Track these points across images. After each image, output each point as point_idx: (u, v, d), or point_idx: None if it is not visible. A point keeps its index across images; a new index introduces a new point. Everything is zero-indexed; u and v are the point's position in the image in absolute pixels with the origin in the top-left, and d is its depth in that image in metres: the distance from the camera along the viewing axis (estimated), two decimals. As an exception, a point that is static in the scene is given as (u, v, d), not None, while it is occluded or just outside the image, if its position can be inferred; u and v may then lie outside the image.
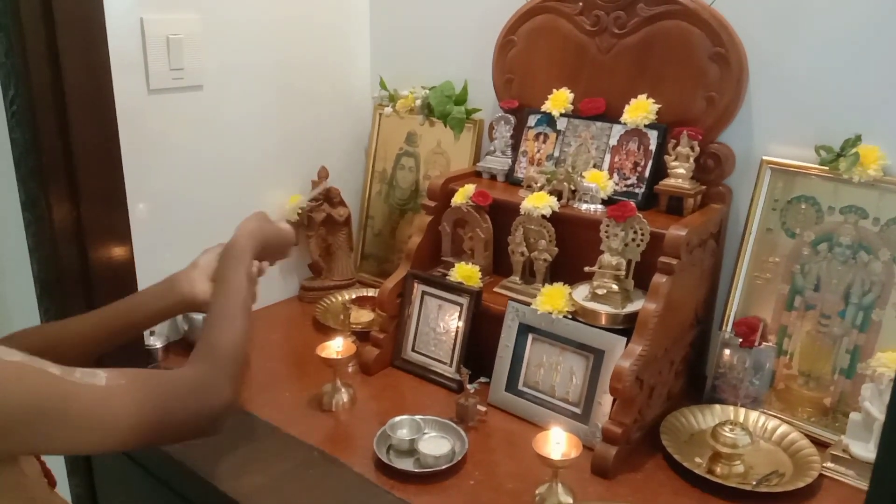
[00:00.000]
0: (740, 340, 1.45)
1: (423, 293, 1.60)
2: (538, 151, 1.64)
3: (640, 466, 1.32)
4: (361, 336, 1.71)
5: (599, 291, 1.39)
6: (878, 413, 1.25)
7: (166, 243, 1.61)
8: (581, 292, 1.44)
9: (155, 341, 1.64)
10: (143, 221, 1.58)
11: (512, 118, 1.68)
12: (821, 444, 1.34)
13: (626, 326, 1.37)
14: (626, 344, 1.31)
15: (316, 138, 1.94)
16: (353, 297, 1.91)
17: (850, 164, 1.31)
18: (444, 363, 1.56)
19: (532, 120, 1.65)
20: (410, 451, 1.32)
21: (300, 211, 1.87)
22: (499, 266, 1.62)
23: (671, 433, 1.37)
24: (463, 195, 1.58)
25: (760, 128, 1.45)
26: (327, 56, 1.92)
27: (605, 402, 1.34)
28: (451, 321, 1.55)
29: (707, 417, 1.43)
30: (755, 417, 1.40)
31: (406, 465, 1.29)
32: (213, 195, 1.71)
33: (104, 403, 0.79)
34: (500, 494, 1.23)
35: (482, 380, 1.43)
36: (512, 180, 1.67)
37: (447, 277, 1.58)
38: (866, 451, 1.26)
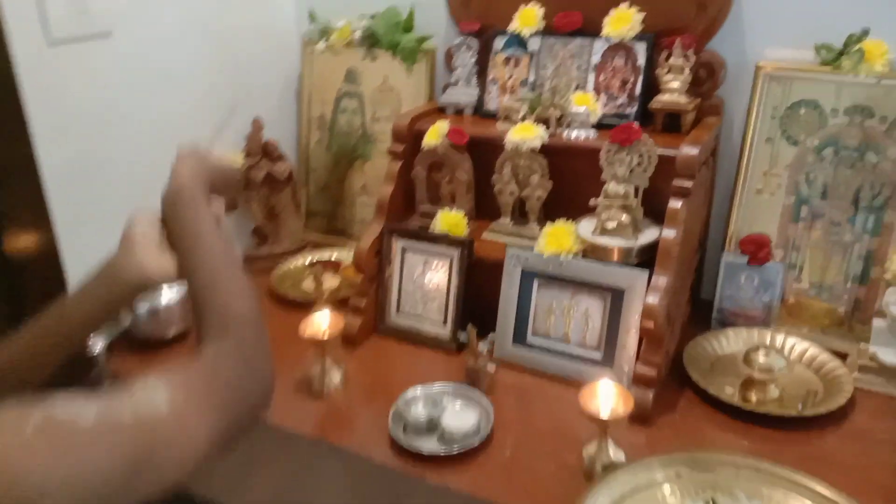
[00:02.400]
0: (748, 259, 1.38)
1: (404, 249, 1.43)
2: (510, 78, 1.48)
3: (675, 405, 1.24)
4: (335, 304, 1.53)
5: (609, 225, 1.27)
6: (906, 317, 1.22)
7: (91, 217, 1.35)
8: (586, 228, 1.32)
9: (93, 343, 1.40)
10: (60, 195, 1.31)
11: (475, 42, 1.51)
12: (839, 355, 1.31)
13: (640, 259, 1.27)
14: (649, 278, 1.21)
15: (244, 85, 1.69)
16: (311, 261, 1.71)
17: (855, 62, 1.24)
18: (438, 323, 1.41)
19: (499, 42, 1.49)
20: (430, 427, 1.18)
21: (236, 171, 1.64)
22: (481, 209, 1.47)
23: (694, 364, 1.30)
24: (436, 134, 1.41)
25: (753, 30, 1.35)
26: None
27: (630, 343, 1.24)
28: (440, 277, 1.40)
29: (724, 343, 1.37)
30: (770, 337, 1.35)
31: (430, 445, 1.14)
32: (136, 158, 1.45)
33: (180, 433, 0.66)
34: (542, 461, 1.12)
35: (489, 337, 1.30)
36: (482, 113, 1.51)
37: (430, 229, 1.42)
38: (894, 357, 1.23)
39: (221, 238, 0.86)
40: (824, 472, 1.03)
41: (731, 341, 1.37)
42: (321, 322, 1.29)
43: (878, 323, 1.26)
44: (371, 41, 1.66)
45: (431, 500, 1.06)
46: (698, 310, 1.47)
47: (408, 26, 1.63)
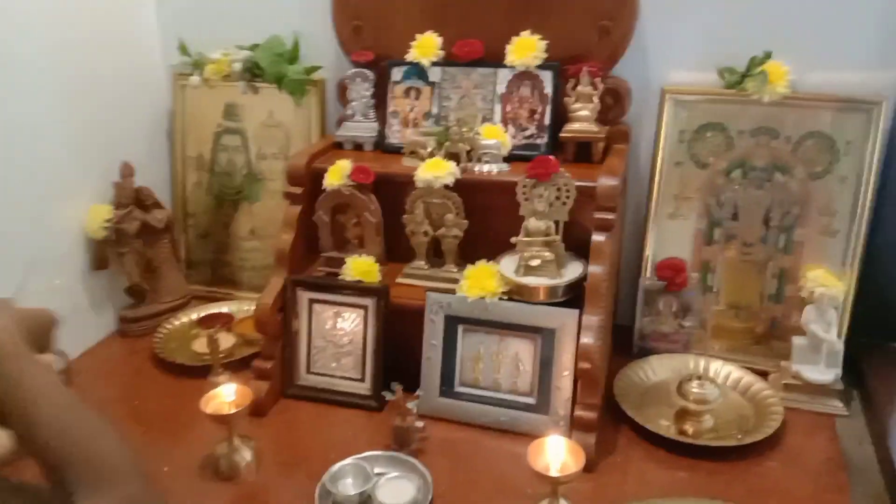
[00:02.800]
0: (666, 285, 1.36)
1: (311, 301, 1.30)
2: (412, 110, 1.39)
3: (614, 446, 1.19)
4: (233, 367, 1.38)
5: (533, 262, 1.21)
6: (825, 333, 1.24)
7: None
8: (508, 267, 1.25)
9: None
10: None
11: (370, 73, 1.41)
12: (760, 374, 1.31)
13: (567, 297, 1.22)
14: (580, 316, 1.16)
15: (110, 129, 1.49)
16: (199, 317, 1.54)
17: (759, 84, 1.25)
18: (355, 380, 1.29)
19: (397, 73, 1.40)
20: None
21: (107, 224, 1.44)
22: (390, 251, 1.37)
23: (625, 398, 1.26)
24: (338, 174, 1.29)
25: (656, 55, 1.34)
26: (105, 24, 1.47)
27: (565, 385, 1.18)
28: (354, 328, 1.28)
29: (650, 373, 1.34)
30: (694, 363, 1.34)
31: (364, 524, 1.03)
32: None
33: None
34: (491, 528, 1.03)
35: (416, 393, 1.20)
36: (385, 148, 1.41)
37: (339, 276, 1.30)
38: (818, 373, 1.24)
39: (64, 387, 0.71)
40: (778, 502, 1.01)
41: (656, 370, 1.34)
42: (225, 395, 1.14)
43: (798, 341, 1.27)
44: (252, 73, 1.52)
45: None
46: (615, 335, 1.44)
47: (293, 57, 1.50)
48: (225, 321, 1.51)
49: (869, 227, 1.25)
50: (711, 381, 1.21)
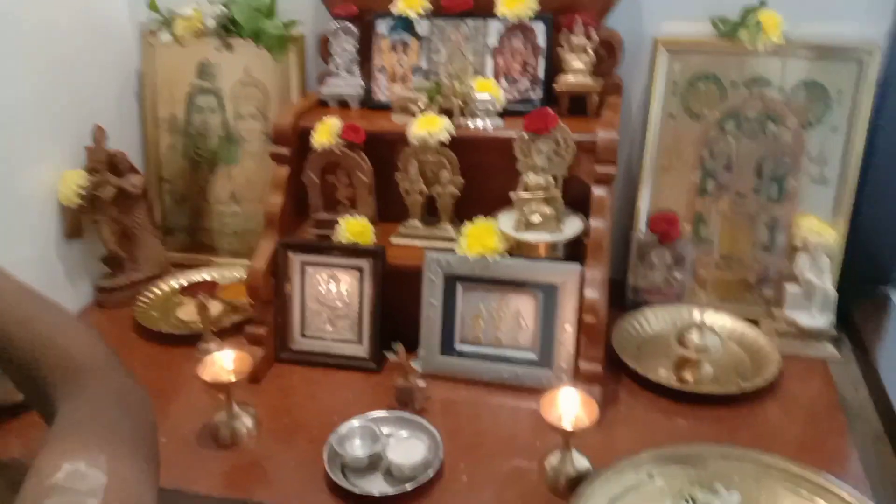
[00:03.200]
0: (659, 237, 1.36)
1: (304, 264, 1.26)
2: (400, 65, 1.35)
3: (617, 397, 1.19)
4: (221, 334, 1.33)
5: (534, 219, 1.19)
6: (818, 280, 1.25)
7: None
8: (506, 224, 1.23)
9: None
10: None
11: (353, 28, 1.35)
12: (751, 323, 1.33)
13: (567, 252, 1.21)
14: (582, 271, 1.15)
15: (76, 91, 1.41)
16: (181, 285, 1.49)
17: (752, 34, 1.24)
18: (352, 342, 1.26)
19: (383, 27, 1.35)
20: (372, 465, 1.04)
21: (81, 191, 1.37)
22: (382, 211, 1.33)
23: (623, 349, 1.26)
24: (327, 133, 1.25)
25: (649, 5, 1.32)
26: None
27: (567, 340, 1.18)
28: (350, 291, 1.25)
29: (646, 324, 1.35)
30: (688, 313, 1.34)
31: (376, 485, 1.01)
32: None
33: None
34: (503, 483, 1.02)
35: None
36: (372, 105, 1.36)
37: (332, 238, 1.26)
38: (811, 320, 1.26)
39: (14, 276, 0.64)
40: (779, 447, 1.03)
41: (651, 322, 1.35)
42: (223, 362, 1.10)
43: (791, 288, 1.28)
44: (227, 30, 1.45)
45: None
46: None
47: (270, 11, 1.43)
48: (210, 288, 1.47)
49: (860, 175, 1.27)
50: (711, 329, 1.22)
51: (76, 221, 1.41)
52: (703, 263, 1.38)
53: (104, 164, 1.41)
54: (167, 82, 1.55)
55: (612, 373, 1.23)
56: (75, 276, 1.46)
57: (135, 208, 1.47)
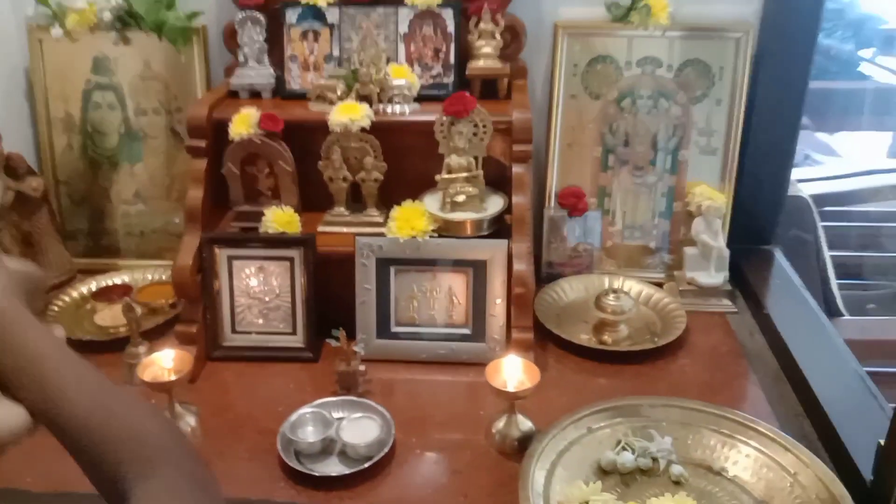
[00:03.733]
0: (568, 211, 1.45)
1: (231, 258, 1.25)
2: (312, 53, 1.35)
3: (546, 363, 1.27)
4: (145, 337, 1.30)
5: (459, 198, 1.24)
6: (713, 241, 1.38)
7: None
8: (432, 205, 1.27)
9: None
10: None
11: (261, 17, 1.34)
12: (656, 284, 1.45)
13: (491, 229, 1.27)
14: (509, 246, 1.21)
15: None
16: (90, 290, 1.43)
17: (643, 16, 1.35)
18: (287, 333, 1.27)
19: (291, 16, 1.35)
20: (325, 449, 1.06)
21: (-25, 197, 1.29)
22: (303, 201, 1.34)
23: (545, 318, 1.34)
24: (245, 123, 1.24)
25: (547, -9, 1.40)
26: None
27: (498, 312, 1.24)
28: (280, 282, 1.26)
29: (562, 294, 1.43)
30: (598, 280, 1.44)
31: (333, 468, 1.03)
32: None
33: None
34: (454, 451, 1.07)
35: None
36: (285, 94, 1.36)
37: (258, 230, 1.25)
38: (709, 278, 1.39)
39: (75, 356, 0.61)
40: (694, 393, 1.14)
41: (567, 291, 1.44)
42: (162, 362, 1.08)
43: (690, 251, 1.41)
44: (124, 22, 1.40)
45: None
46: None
47: (171, 2, 1.39)
48: (123, 291, 1.42)
49: (741, 144, 1.41)
50: (625, 293, 1.32)
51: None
52: (609, 234, 1.49)
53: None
54: (60, 79, 1.47)
55: (538, 341, 1.30)
56: (-29, 290, 1.36)
57: (36, 213, 1.40)
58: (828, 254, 1.99)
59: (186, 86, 1.46)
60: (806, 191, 2.04)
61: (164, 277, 1.43)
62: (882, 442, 0.91)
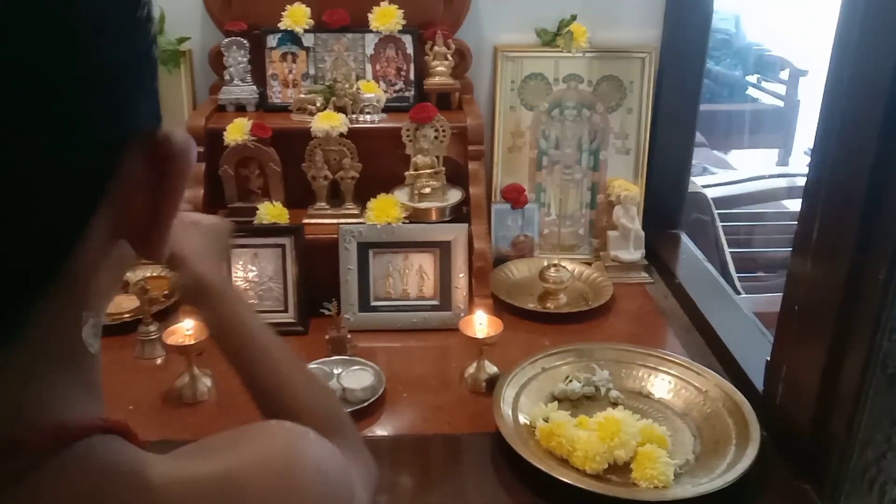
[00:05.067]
0: (511, 204, 1.71)
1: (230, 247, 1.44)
2: (290, 72, 1.57)
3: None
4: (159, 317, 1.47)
5: (425, 191, 1.48)
6: (631, 224, 1.67)
7: None
8: (402, 198, 1.50)
9: None
10: None
11: (245, 41, 1.56)
12: (586, 263, 1.72)
13: (452, 216, 1.51)
14: (469, 229, 1.46)
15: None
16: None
17: (567, 41, 1.63)
18: (279, 311, 1.46)
19: (272, 40, 1.57)
20: (327, 397, 1.26)
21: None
22: (287, 199, 1.55)
23: (499, 292, 1.58)
24: (239, 131, 1.45)
25: (489, 19, 1.67)
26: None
27: (462, 284, 1.48)
28: (273, 266, 1.46)
29: (510, 274, 1.68)
30: (539, 261, 1.70)
31: (336, 410, 1.24)
32: None
33: None
34: (435, 393, 1.30)
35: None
36: (267, 107, 1.57)
37: (253, 223, 1.45)
38: (629, 255, 1.68)
39: (270, 331, 0.78)
40: (625, 342, 1.41)
41: (515, 271, 1.69)
42: (184, 329, 1.26)
43: (612, 234, 1.69)
44: (118, 46, 1.58)
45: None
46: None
47: (161, 29, 1.59)
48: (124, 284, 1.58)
49: (650, 145, 1.71)
50: (564, 267, 1.58)
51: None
52: (545, 223, 1.76)
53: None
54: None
55: (494, 311, 1.54)
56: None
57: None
58: (726, 244, 2.33)
59: (175, 103, 1.65)
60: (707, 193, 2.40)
61: (160, 273, 1.60)
62: (768, 359, 1.20)
